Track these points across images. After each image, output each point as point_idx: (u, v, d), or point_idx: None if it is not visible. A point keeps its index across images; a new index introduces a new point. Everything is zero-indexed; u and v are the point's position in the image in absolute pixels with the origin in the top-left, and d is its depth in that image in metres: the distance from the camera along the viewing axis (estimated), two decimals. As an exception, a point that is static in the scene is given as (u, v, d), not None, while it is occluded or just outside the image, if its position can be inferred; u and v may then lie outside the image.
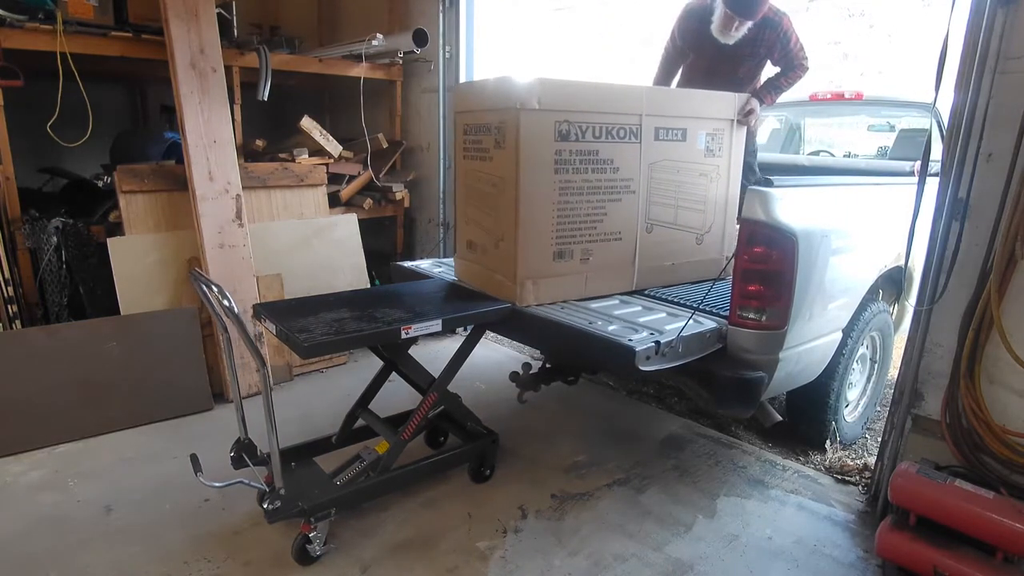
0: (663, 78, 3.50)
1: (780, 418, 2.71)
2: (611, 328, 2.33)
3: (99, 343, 3.07)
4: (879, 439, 2.72)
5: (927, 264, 2.25)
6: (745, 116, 2.98)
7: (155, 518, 2.40)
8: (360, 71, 4.25)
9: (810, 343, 2.52)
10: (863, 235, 2.72)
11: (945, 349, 2.24)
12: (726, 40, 3.11)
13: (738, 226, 2.77)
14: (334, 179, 4.30)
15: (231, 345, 2.30)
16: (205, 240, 3.35)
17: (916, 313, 2.33)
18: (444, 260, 3.52)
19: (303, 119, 4.03)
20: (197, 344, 3.32)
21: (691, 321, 2.39)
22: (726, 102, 2.97)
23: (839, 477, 2.78)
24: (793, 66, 3.25)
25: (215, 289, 2.05)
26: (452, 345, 3.61)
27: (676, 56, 3.44)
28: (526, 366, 2.99)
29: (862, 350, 3.06)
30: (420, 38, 4.19)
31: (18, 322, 3.11)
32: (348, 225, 4.22)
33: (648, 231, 2.85)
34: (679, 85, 3.56)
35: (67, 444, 2.91)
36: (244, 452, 2.31)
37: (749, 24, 3.05)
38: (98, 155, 4.38)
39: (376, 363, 2.78)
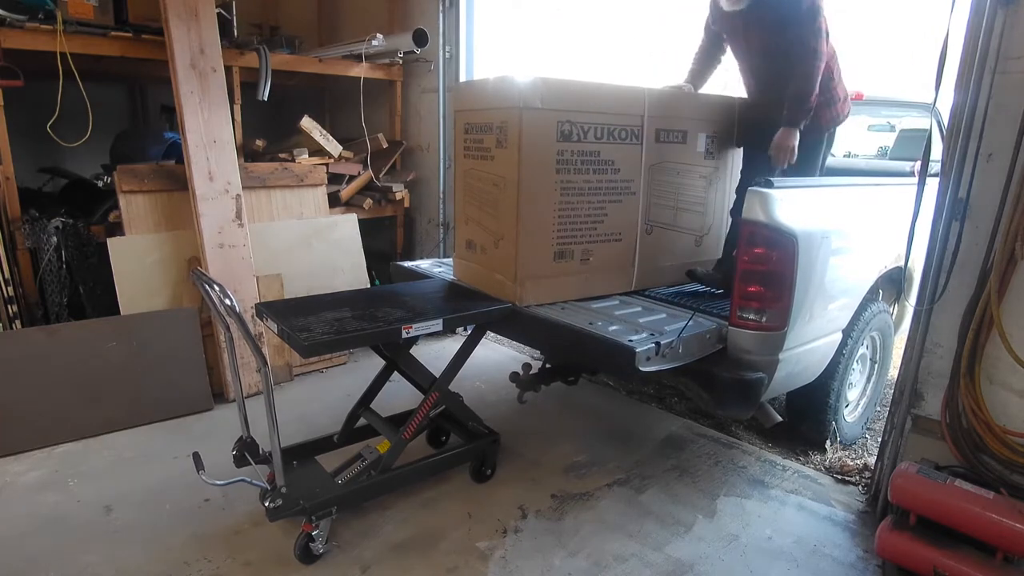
0: (696, 73, 3.12)
1: (780, 419, 2.71)
2: (611, 329, 2.33)
3: (99, 343, 3.06)
4: (879, 439, 2.72)
5: (927, 264, 2.25)
6: (777, 153, 2.65)
7: (155, 518, 2.40)
8: (360, 71, 4.25)
9: (810, 344, 2.52)
10: (863, 236, 2.72)
11: (945, 349, 2.25)
12: (732, 7, 2.74)
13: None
14: (334, 179, 4.30)
15: (232, 344, 2.30)
16: (205, 240, 3.35)
17: (916, 313, 2.33)
18: (444, 260, 3.53)
19: (303, 119, 4.03)
20: (197, 344, 3.32)
21: (691, 322, 2.39)
22: (726, 105, 2.97)
23: (839, 477, 2.79)
24: (797, 52, 2.58)
25: (216, 288, 2.05)
26: (453, 345, 3.62)
27: (710, 46, 3.09)
28: (526, 366, 2.99)
29: (862, 350, 3.06)
30: (420, 38, 4.19)
31: (18, 322, 3.11)
32: (348, 225, 4.22)
33: (648, 232, 2.85)
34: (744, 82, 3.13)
35: (67, 444, 2.91)
36: (246, 451, 2.31)
37: None
38: (98, 155, 4.38)
39: (377, 363, 2.78)
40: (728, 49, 3.05)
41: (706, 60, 3.13)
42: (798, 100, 2.62)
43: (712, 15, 3.02)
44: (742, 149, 3.08)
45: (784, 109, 2.65)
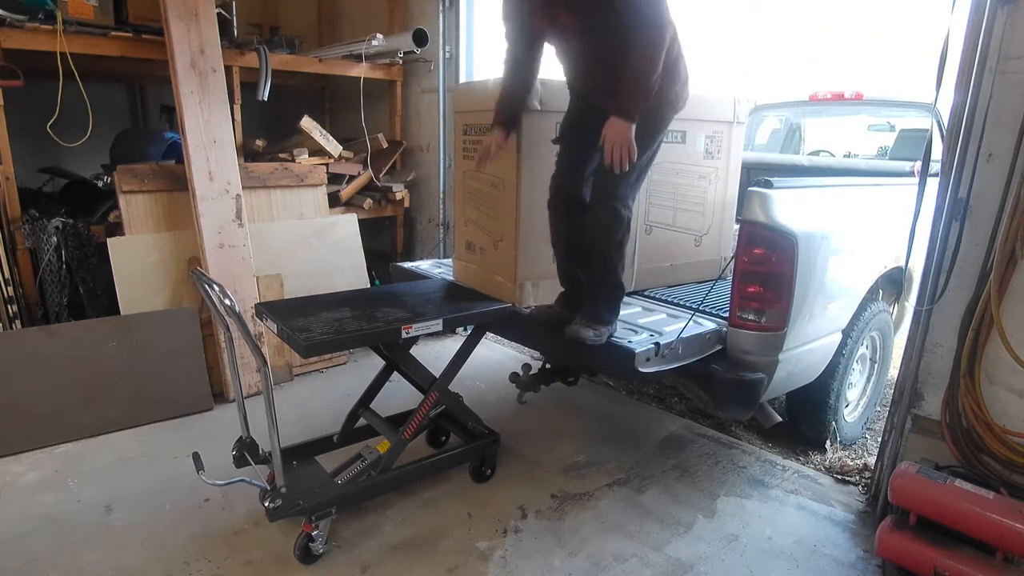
0: (513, 97, 2.39)
1: (779, 419, 2.71)
2: (611, 328, 2.33)
3: (99, 343, 3.06)
4: (879, 439, 2.72)
5: (927, 264, 2.25)
6: (613, 149, 2.04)
7: (155, 518, 2.40)
8: (360, 71, 4.25)
9: (810, 344, 2.52)
10: (863, 236, 2.72)
11: (945, 349, 2.24)
12: None
13: (737, 227, 2.77)
14: (334, 179, 4.30)
15: (232, 344, 2.30)
16: (205, 240, 3.35)
17: (916, 313, 2.33)
18: (444, 261, 3.53)
19: (303, 119, 4.03)
20: (197, 344, 3.32)
21: (691, 323, 2.39)
22: (726, 105, 2.97)
23: (839, 477, 2.79)
24: (631, 24, 1.97)
25: (216, 288, 2.05)
26: (453, 345, 3.62)
27: (520, 56, 2.34)
28: (526, 367, 2.99)
29: (862, 350, 3.06)
30: (420, 38, 4.19)
31: (18, 322, 3.11)
32: (348, 225, 4.22)
33: (647, 232, 2.85)
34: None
35: (67, 444, 2.91)
36: (246, 451, 2.31)
37: None
38: (98, 155, 4.38)
39: (377, 363, 2.78)
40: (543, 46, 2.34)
41: (522, 75, 2.37)
42: (636, 83, 1.99)
43: (506, 9, 2.30)
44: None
45: (615, 96, 2.04)
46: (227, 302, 1.97)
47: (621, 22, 1.99)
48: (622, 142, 2.03)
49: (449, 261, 3.35)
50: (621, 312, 2.58)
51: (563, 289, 2.54)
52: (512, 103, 2.39)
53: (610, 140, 2.04)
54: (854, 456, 2.96)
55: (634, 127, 2.03)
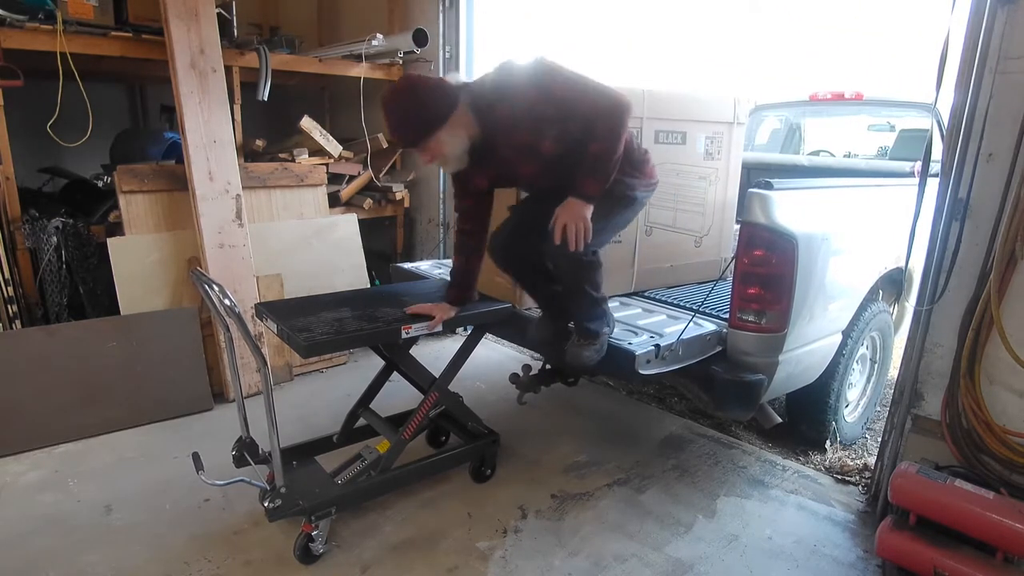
0: (471, 264, 2.42)
1: (779, 420, 2.71)
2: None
3: (99, 343, 3.06)
4: (879, 439, 2.72)
5: (927, 264, 2.25)
6: (561, 231, 2.01)
7: (155, 518, 2.40)
8: (360, 71, 4.25)
9: (810, 345, 2.52)
10: (863, 237, 2.72)
11: (945, 349, 2.25)
12: (448, 171, 2.18)
13: (737, 228, 2.77)
14: (334, 179, 4.30)
15: (232, 344, 2.30)
16: (205, 240, 3.35)
17: (916, 313, 2.33)
18: (444, 261, 3.53)
19: (303, 119, 4.03)
20: (197, 344, 3.32)
21: (691, 324, 2.39)
22: (726, 105, 2.97)
23: (839, 477, 2.79)
24: (593, 125, 1.97)
25: (216, 288, 2.05)
26: (453, 345, 3.62)
27: (478, 210, 2.36)
28: (526, 367, 2.99)
29: (862, 350, 3.06)
30: (420, 38, 4.19)
31: (18, 322, 3.11)
32: (348, 225, 4.22)
33: (647, 234, 2.85)
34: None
35: (67, 444, 2.91)
36: (246, 451, 2.31)
37: (429, 152, 2.06)
38: (98, 155, 4.38)
39: (377, 363, 2.78)
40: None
41: (478, 235, 2.37)
42: (596, 168, 1.99)
43: (461, 185, 2.31)
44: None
45: (574, 179, 2.01)
46: (227, 302, 1.97)
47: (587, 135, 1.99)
48: (577, 220, 1.99)
49: (449, 262, 3.35)
50: (621, 313, 2.59)
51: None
52: (466, 283, 2.45)
53: (564, 219, 2.00)
54: (854, 456, 2.96)
55: (591, 208, 2.01)
